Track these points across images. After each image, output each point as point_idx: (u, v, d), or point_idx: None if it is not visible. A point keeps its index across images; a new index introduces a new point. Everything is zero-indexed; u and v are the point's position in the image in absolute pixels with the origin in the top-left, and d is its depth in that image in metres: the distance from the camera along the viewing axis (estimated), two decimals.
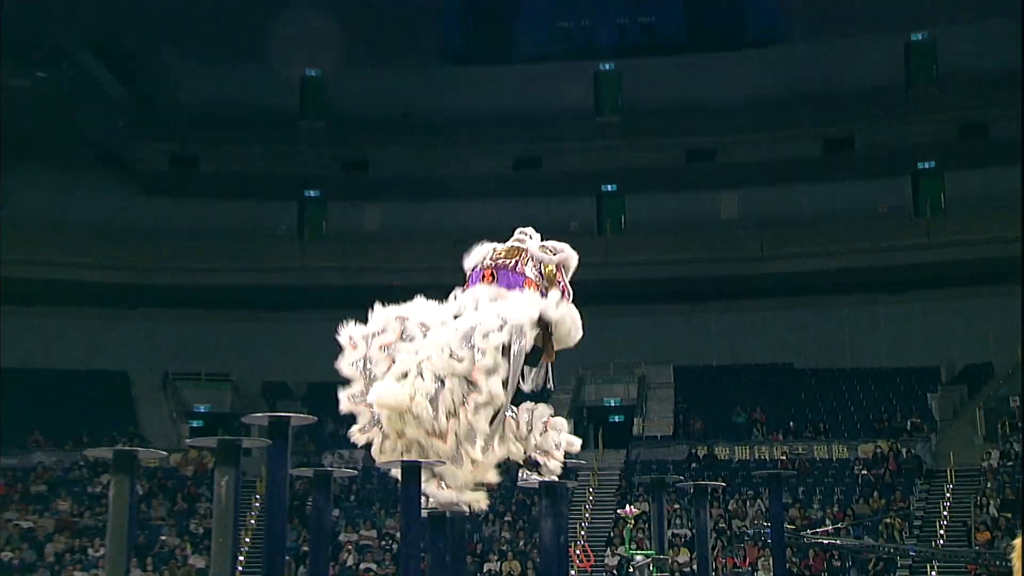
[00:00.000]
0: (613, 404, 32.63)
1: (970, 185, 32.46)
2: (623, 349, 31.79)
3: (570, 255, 6.64)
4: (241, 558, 24.66)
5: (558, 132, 34.38)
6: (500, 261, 6.38)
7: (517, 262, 6.35)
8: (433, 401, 5.88)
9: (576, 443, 6.67)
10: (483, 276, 6.41)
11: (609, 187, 35.25)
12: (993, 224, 30.70)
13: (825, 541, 22.04)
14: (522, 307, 6.08)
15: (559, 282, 6.44)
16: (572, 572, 22.39)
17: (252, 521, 26.50)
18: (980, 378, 31.60)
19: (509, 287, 6.29)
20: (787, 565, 20.61)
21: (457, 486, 6.20)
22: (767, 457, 28.01)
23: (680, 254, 32.85)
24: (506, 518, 26.68)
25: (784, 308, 33.97)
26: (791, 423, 30.03)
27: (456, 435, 5.93)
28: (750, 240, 33.06)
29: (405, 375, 6.00)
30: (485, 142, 34.68)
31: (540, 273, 6.38)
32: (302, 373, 32.78)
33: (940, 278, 31.96)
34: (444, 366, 5.91)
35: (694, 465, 28.02)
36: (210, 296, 33.60)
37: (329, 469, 7.41)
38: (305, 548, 23.15)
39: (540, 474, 6.55)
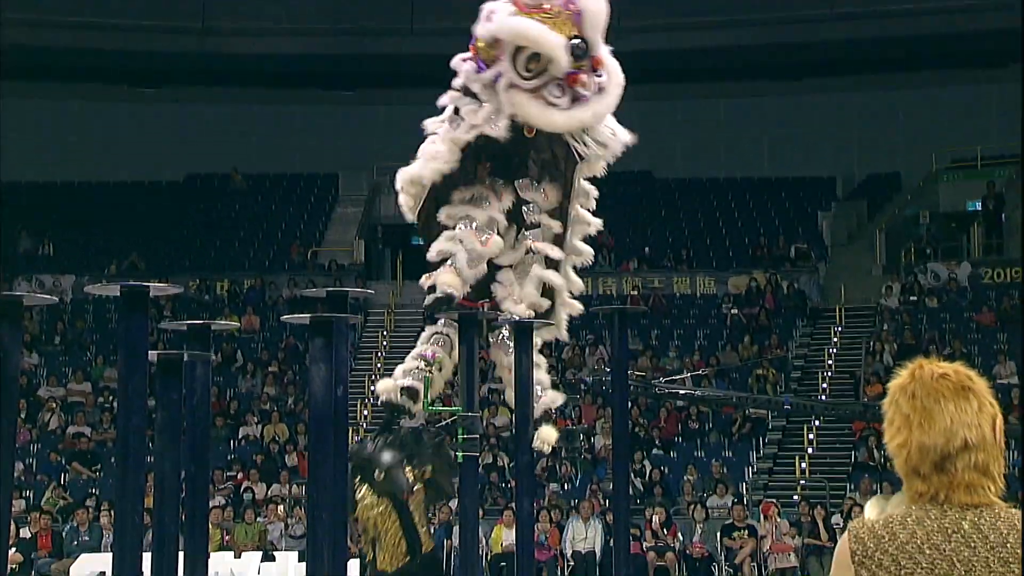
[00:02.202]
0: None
1: None
2: None
3: None
4: None
5: None
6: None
7: None
8: None
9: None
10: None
11: None
12: None
13: (682, 391, 23.07)
14: None
15: None
16: (355, 437, 22.82)
17: None
18: (884, 192, 33.06)
19: None
20: (632, 425, 21.62)
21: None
22: (613, 292, 28.76)
23: None
24: (271, 368, 26.82)
25: (640, 97, 34.34)
26: (646, 248, 30.89)
27: None
28: None
29: None
30: None
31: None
32: None
33: (842, 60, 32.68)
34: None
35: None
36: None
37: (20, 295, 7.23)
38: None
39: None
